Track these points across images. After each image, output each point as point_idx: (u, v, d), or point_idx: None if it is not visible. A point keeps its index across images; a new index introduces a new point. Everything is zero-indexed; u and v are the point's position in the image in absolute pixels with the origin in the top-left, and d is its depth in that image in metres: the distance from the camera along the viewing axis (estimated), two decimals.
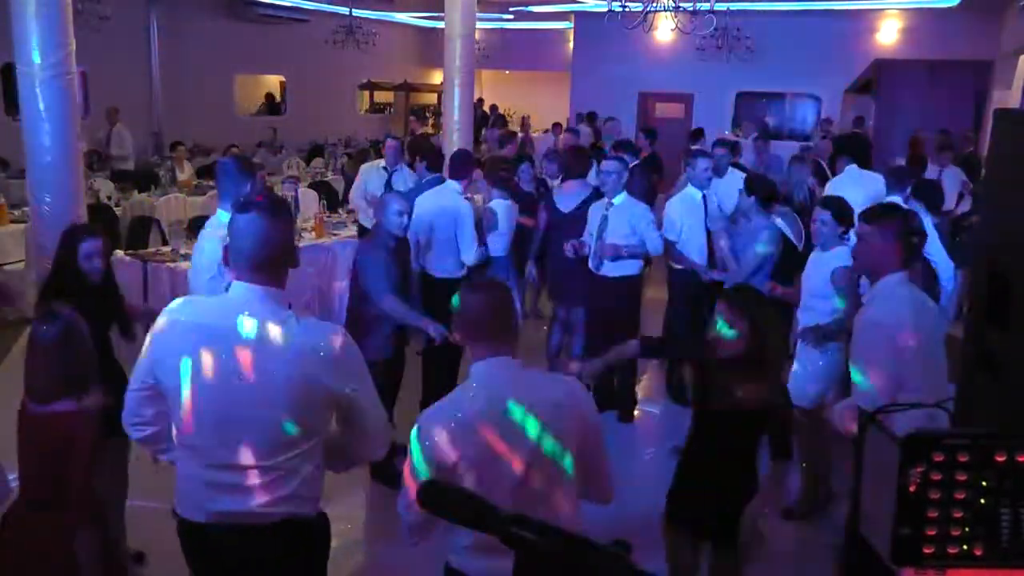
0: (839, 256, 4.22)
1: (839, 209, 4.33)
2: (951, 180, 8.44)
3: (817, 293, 4.29)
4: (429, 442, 2.09)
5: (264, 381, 2.11)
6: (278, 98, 17.25)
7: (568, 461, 2.15)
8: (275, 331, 2.14)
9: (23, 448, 2.82)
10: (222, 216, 3.75)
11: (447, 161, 5.81)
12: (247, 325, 2.13)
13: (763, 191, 5.12)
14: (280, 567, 2.30)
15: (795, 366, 4.36)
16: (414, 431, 2.14)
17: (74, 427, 2.72)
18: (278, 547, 2.25)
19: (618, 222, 5.27)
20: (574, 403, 2.21)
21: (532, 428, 2.10)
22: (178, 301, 2.30)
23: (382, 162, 7.27)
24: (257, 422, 2.13)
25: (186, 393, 2.15)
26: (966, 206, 8.40)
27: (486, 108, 17.95)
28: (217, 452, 2.17)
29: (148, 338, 2.24)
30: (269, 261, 2.17)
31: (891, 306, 3.00)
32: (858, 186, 6.30)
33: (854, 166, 6.96)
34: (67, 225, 4.16)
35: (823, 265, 4.28)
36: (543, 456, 2.12)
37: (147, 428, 2.36)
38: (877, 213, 3.30)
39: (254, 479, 2.16)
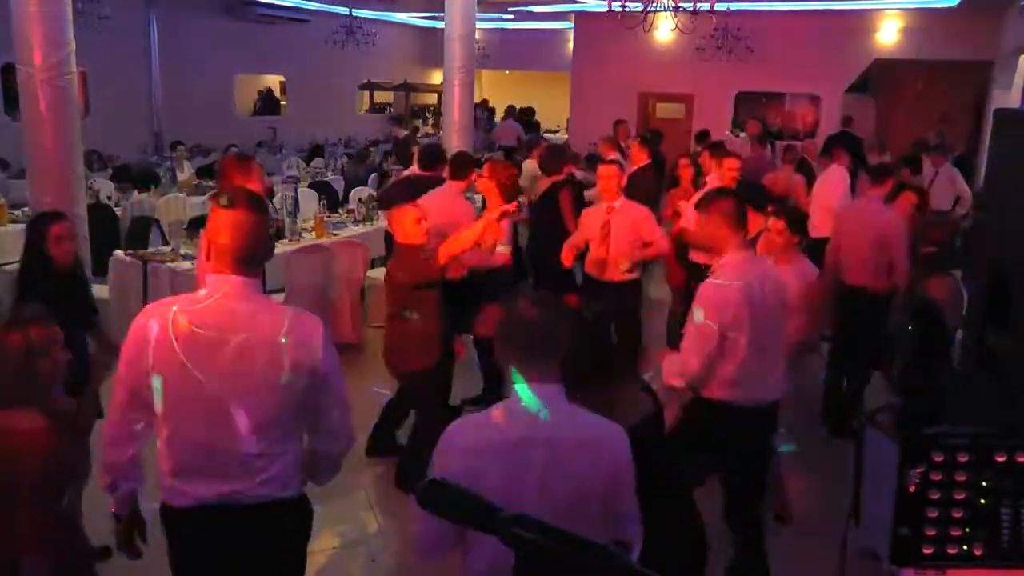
0: (794, 269, 4.10)
1: (793, 218, 4.24)
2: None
3: None
4: (455, 457, 2.01)
5: (239, 366, 2.17)
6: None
7: (592, 502, 2.06)
8: (250, 318, 2.20)
9: None
10: None
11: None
12: (225, 314, 2.20)
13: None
14: (261, 550, 2.34)
15: None
16: (441, 441, 2.05)
17: (27, 438, 2.53)
18: (261, 530, 2.30)
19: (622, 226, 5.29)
20: (609, 446, 2.09)
21: (562, 465, 2.02)
22: (153, 304, 2.34)
23: None
24: (237, 406, 2.19)
25: (171, 385, 2.20)
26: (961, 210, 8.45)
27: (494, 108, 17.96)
28: (203, 437, 2.22)
29: (127, 344, 2.26)
30: (248, 255, 2.23)
31: (728, 282, 3.22)
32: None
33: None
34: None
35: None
36: (566, 494, 2.03)
37: (132, 445, 2.35)
38: (707, 200, 3.46)
39: (240, 462, 2.22)
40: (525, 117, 16.86)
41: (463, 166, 5.56)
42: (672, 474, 2.70)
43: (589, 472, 2.04)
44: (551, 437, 2.01)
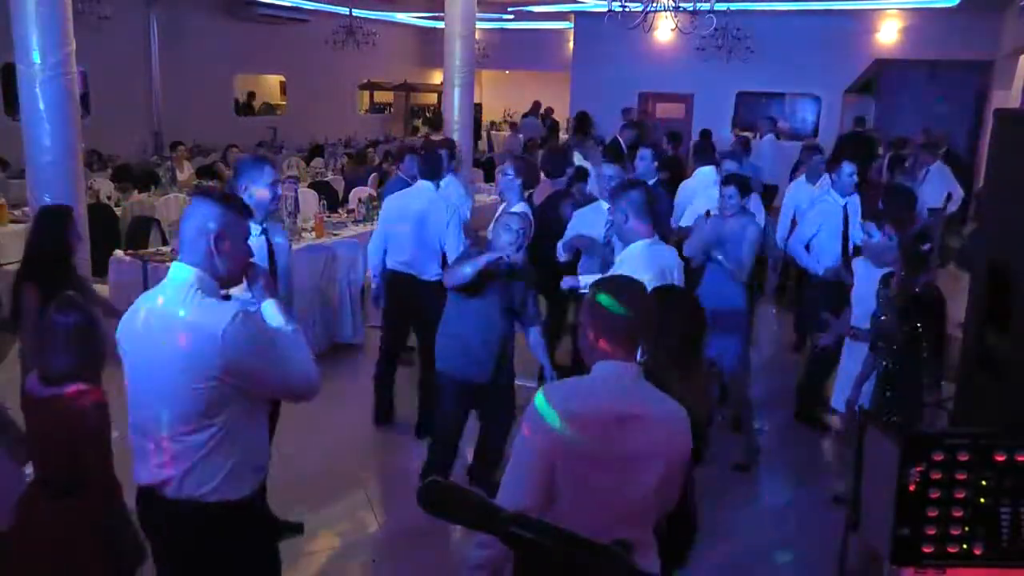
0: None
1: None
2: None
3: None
4: (558, 407, 2.04)
5: (170, 355, 2.21)
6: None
7: (655, 478, 2.10)
8: (181, 308, 2.24)
9: (35, 433, 2.82)
10: None
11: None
12: (159, 302, 2.30)
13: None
14: (191, 549, 2.36)
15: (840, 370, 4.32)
16: (540, 399, 2.08)
17: (87, 410, 2.70)
18: (187, 527, 2.32)
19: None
20: (678, 423, 2.15)
21: (636, 440, 2.06)
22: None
23: None
24: (167, 394, 2.24)
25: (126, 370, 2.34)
26: (954, 207, 8.46)
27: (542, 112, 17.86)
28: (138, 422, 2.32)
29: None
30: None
31: (630, 268, 3.36)
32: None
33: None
34: (44, 207, 4.20)
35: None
36: (637, 468, 2.07)
37: None
38: (616, 192, 3.70)
39: (163, 451, 2.27)
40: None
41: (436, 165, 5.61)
42: None
43: (665, 447, 2.11)
44: (641, 414, 2.09)
